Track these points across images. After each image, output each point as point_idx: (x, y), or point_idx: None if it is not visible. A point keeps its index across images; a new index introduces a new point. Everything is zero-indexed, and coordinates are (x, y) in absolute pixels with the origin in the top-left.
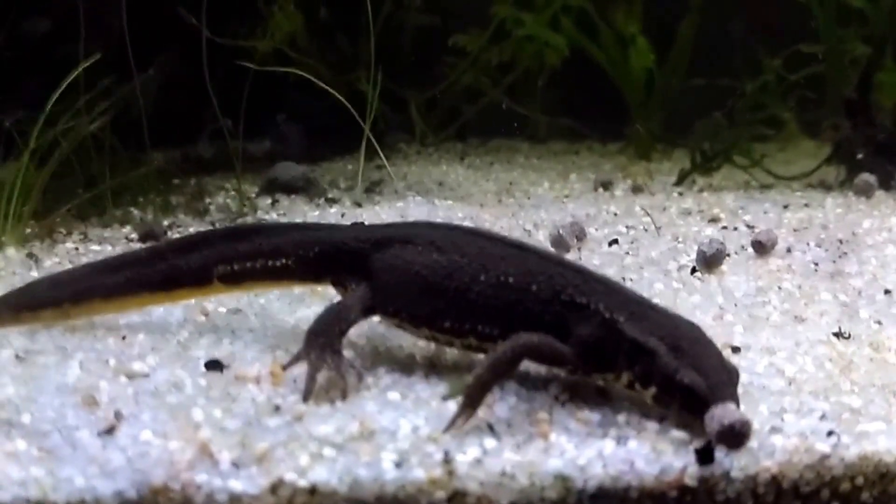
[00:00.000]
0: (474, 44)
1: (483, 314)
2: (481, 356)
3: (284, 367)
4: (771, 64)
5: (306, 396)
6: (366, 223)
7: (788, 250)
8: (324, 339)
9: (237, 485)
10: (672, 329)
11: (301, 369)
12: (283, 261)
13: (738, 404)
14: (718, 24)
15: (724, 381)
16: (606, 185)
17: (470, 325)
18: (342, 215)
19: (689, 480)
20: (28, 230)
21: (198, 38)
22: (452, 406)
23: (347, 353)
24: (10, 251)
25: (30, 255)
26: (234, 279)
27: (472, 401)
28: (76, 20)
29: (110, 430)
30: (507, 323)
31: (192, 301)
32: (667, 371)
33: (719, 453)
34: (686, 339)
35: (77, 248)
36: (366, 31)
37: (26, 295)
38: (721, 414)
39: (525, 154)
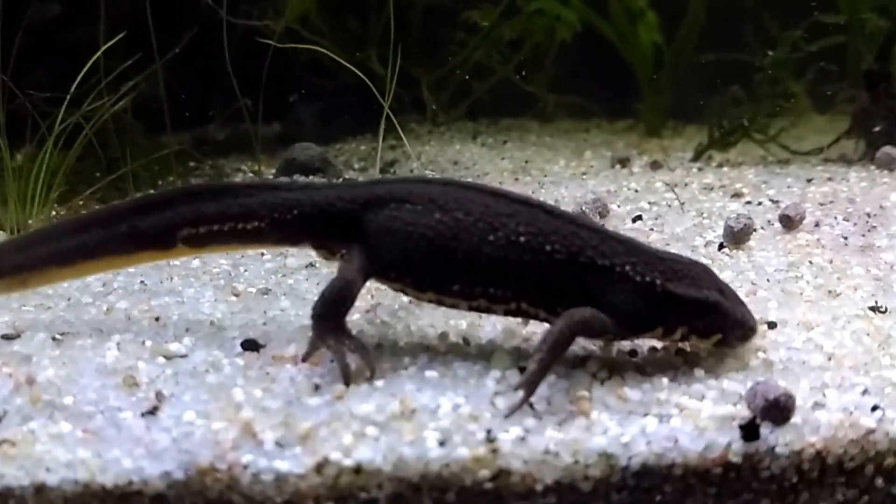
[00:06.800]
0: (487, 18)
1: (495, 276)
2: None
3: (304, 359)
4: (790, 35)
5: (347, 381)
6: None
7: (816, 224)
8: (333, 321)
9: (283, 465)
10: (703, 274)
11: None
12: (256, 223)
13: None
14: None
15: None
16: (624, 162)
17: (481, 288)
18: None
19: (734, 457)
20: (53, 213)
21: (209, 19)
22: (491, 384)
23: (370, 330)
24: None
25: None
26: (200, 242)
27: (534, 385)
28: (85, 3)
29: (153, 411)
30: (521, 284)
31: (223, 281)
32: (734, 316)
33: (764, 429)
34: (716, 279)
35: None
36: (375, 9)
37: None
38: (765, 389)
39: (537, 133)
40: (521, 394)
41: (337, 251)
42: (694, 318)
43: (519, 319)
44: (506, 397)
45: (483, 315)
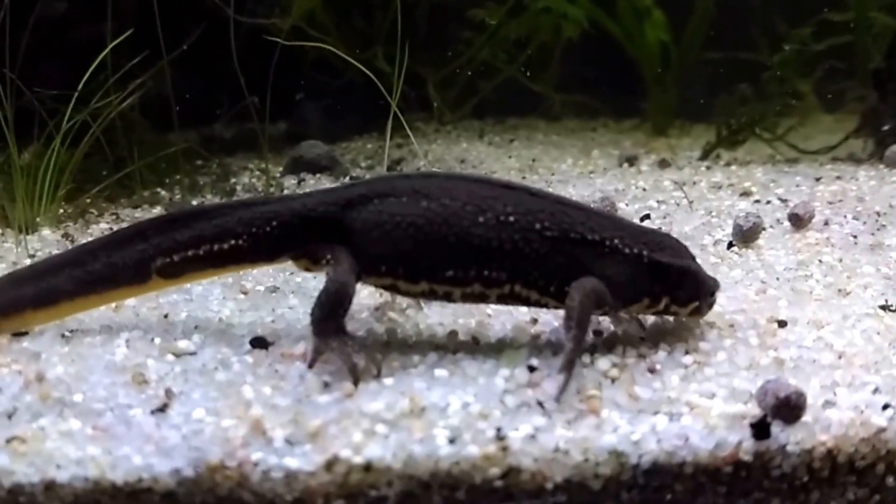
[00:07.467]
0: (494, 16)
1: (488, 257)
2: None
3: (310, 366)
4: (799, 34)
5: (356, 381)
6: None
7: (826, 223)
8: (334, 323)
9: (293, 462)
10: (678, 245)
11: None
12: (234, 242)
13: None
14: None
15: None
16: (632, 161)
17: (475, 272)
18: None
19: (745, 455)
20: (60, 211)
21: (215, 17)
22: (500, 382)
23: (379, 329)
24: (46, 232)
25: (65, 236)
26: (176, 271)
27: (573, 363)
28: (91, 1)
29: (163, 409)
30: (515, 264)
31: (231, 279)
32: (707, 284)
33: (774, 428)
34: (688, 250)
35: (111, 228)
36: (382, 7)
37: None
38: (776, 388)
39: (543, 131)
40: (562, 376)
41: (321, 257)
42: (676, 287)
43: (528, 319)
44: (515, 395)
45: (492, 313)
